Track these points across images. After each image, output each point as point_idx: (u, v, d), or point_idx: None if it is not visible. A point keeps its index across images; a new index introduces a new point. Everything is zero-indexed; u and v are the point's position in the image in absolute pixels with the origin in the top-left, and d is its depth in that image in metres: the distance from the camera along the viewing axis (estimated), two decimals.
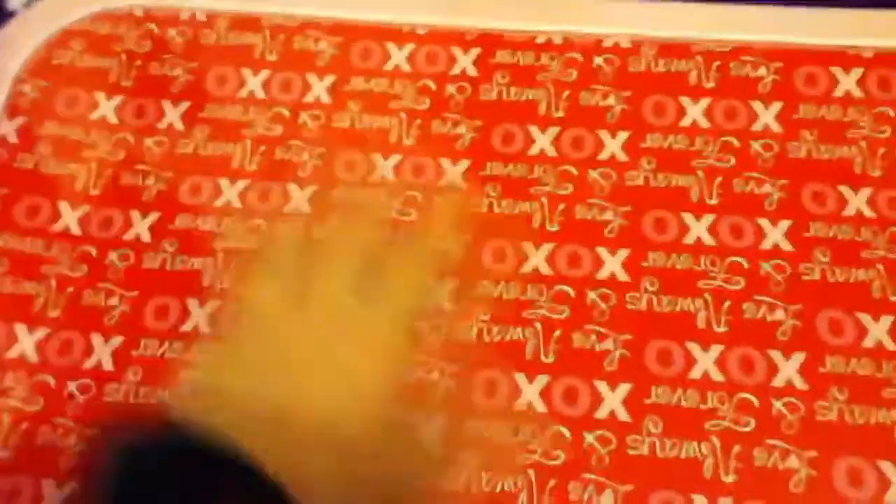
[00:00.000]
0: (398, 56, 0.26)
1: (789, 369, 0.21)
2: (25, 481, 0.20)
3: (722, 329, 0.22)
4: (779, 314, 0.22)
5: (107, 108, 0.25)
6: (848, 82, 0.25)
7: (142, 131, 0.25)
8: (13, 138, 0.25)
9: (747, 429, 0.20)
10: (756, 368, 0.21)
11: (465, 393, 0.21)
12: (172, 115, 0.25)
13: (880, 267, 0.22)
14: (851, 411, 0.21)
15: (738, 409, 0.21)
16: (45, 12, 0.26)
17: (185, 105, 0.25)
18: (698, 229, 0.23)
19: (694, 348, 0.21)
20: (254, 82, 0.26)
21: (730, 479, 0.20)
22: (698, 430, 0.21)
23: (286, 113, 0.25)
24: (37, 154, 0.24)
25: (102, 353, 0.22)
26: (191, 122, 0.25)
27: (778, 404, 0.21)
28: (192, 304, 0.23)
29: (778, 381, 0.21)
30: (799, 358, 0.21)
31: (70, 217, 0.24)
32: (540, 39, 0.26)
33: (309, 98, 0.25)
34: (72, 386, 0.21)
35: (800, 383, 0.21)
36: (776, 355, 0.21)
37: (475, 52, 0.26)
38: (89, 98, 0.25)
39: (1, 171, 0.24)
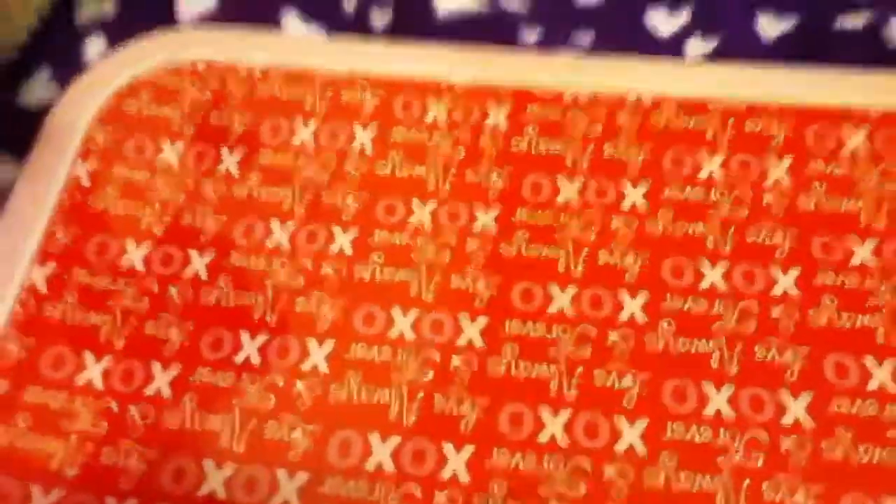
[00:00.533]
0: (435, 109, 0.28)
1: (797, 408, 0.23)
2: (90, 499, 0.22)
3: (734, 369, 0.23)
4: (787, 356, 0.23)
5: (170, 153, 0.28)
6: (856, 140, 0.27)
7: (201, 176, 0.27)
8: (86, 180, 0.27)
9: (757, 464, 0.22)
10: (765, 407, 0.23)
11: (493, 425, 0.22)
12: (229, 161, 0.28)
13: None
14: (857, 450, 0.22)
15: (747, 446, 0.22)
16: (116, 65, 0.29)
17: (241, 152, 0.28)
18: (713, 275, 0.25)
19: (708, 387, 0.23)
20: (304, 132, 0.28)
21: None
22: (712, 464, 0.22)
23: (333, 160, 0.27)
24: (106, 195, 0.27)
25: (161, 380, 0.24)
26: (245, 168, 0.28)
27: (787, 441, 0.22)
28: (244, 336, 0.25)
29: (787, 420, 0.23)
30: (806, 398, 0.23)
31: (135, 254, 0.26)
32: (567, 96, 0.28)
33: (354, 146, 0.28)
34: (133, 411, 0.23)
35: (807, 422, 0.22)
36: (784, 395, 0.23)
37: (507, 106, 0.28)
38: (155, 144, 0.28)
39: (74, 211, 0.26)
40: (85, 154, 0.27)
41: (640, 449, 0.22)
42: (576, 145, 0.27)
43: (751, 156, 0.27)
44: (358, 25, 0.31)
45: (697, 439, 0.22)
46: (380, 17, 0.31)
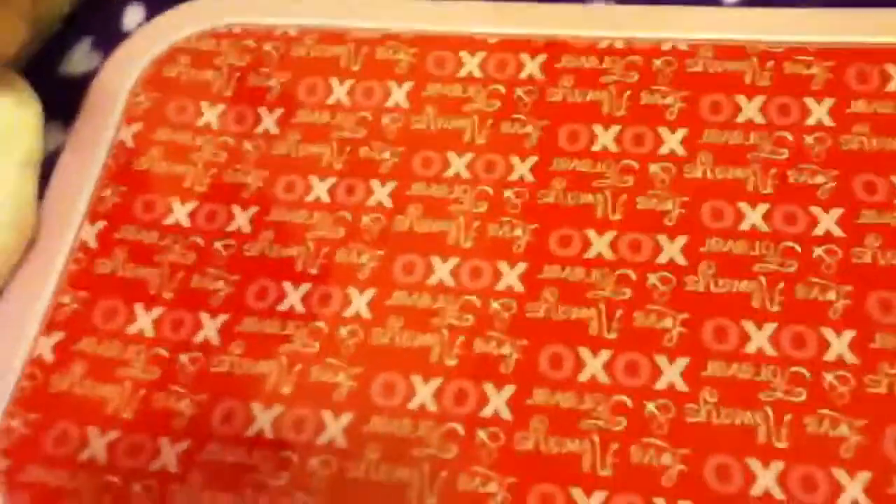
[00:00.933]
0: (471, 63, 0.28)
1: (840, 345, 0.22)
2: (145, 439, 0.23)
3: (776, 308, 0.23)
4: (830, 295, 0.23)
5: (210, 115, 0.28)
6: None
7: (241, 136, 0.28)
8: (130, 143, 0.28)
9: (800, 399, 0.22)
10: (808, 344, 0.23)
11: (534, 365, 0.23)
12: (268, 120, 0.28)
13: None
14: None
15: (790, 382, 0.22)
16: (155, 32, 0.30)
17: (279, 111, 0.28)
18: (754, 217, 0.25)
19: (749, 326, 0.23)
20: (340, 90, 0.29)
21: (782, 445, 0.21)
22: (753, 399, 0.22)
23: (369, 117, 0.28)
24: (150, 157, 0.28)
25: (209, 328, 0.25)
26: (284, 127, 0.28)
27: (829, 377, 0.22)
28: (288, 286, 0.25)
29: (829, 356, 0.22)
30: (850, 335, 0.23)
31: (180, 211, 0.27)
32: (602, 45, 0.28)
33: (390, 103, 0.28)
34: (183, 358, 0.24)
35: (851, 358, 0.22)
36: (828, 332, 0.23)
37: (541, 58, 0.28)
38: (195, 107, 0.29)
39: (120, 173, 0.27)
40: (129, 119, 0.28)
41: (681, 386, 0.22)
42: (611, 93, 0.27)
43: (790, 98, 0.26)
44: None
45: (739, 376, 0.22)
46: None
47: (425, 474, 0.22)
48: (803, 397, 0.22)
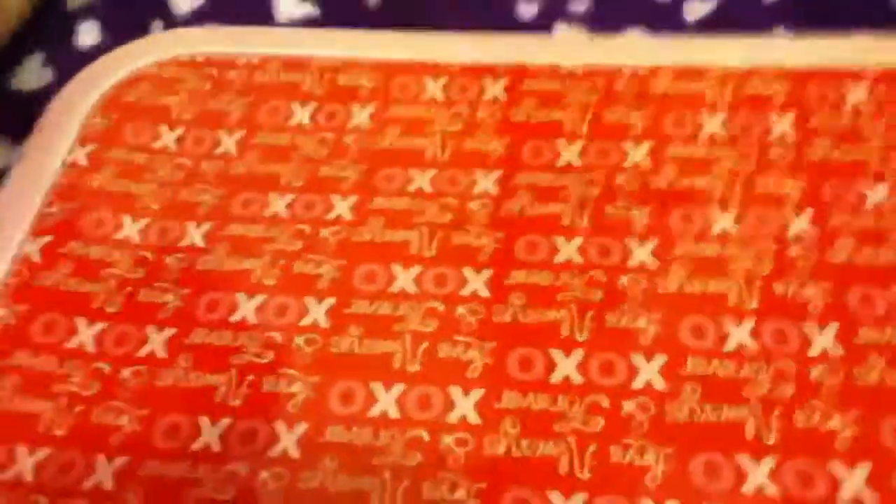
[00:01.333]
0: (433, 87, 0.28)
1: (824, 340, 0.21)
2: (77, 456, 0.21)
3: (753, 304, 0.22)
4: (809, 291, 0.22)
5: (168, 138, 0.28)
6: (857, 94, 0.27)
7: (199, 157, 0.27)
8: (84, 162, 0.27)
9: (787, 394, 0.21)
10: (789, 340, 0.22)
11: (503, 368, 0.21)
12: (228, 142, 0.28)
13: None
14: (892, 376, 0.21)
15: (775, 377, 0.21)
16: (119, 58, 0.29)
17: (239, 134, 0.28)
18: (722, 222, 0.24)
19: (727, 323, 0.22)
20: (302, 113, 0.28)
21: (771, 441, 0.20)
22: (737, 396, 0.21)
23: (331, 137, 0.27)
24: (103, 175, 0.27)
25: (156, 342, 0.23)
26: (243, 148, 0.27)
27: (815, 371, 0.21)
28: (241, 297, 0.24)
29: (814, 352, 0.21)
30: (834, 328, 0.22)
31: (131, 228, 0.25)
32: (563, 71, 0.28)
33: (351, 125, 0.28)
34: (126, 372, 0.22)
35: (836, 350, 0.21)
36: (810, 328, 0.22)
37: (504, 81, 0.28)
38: (153, 130, 0.28)
39: (71, 190, 0.26)
40: (84, 140, 0.27)
41: (660, 384, 0.21)
42: (574, 113, 0.27)
43: (753, 113, 0.27)
44: (352, 3, 0.31)
45: (721, 373, 0.21)
46: None
47: (387, 482, 0.20)
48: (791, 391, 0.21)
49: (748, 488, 0.19)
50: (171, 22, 0.31)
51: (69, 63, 0.29)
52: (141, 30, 0.31)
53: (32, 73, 0.30)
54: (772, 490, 0.19)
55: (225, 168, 0.27)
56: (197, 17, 0.31)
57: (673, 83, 0.28)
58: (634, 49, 0.29)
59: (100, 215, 0.26)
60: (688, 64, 0.28)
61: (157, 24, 0.31)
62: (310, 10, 0.32)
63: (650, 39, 0.29)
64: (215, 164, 0.27)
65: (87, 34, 0.31)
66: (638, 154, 0.26)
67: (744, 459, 0.20)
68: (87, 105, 0.28)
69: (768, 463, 0.19)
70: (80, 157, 0.27)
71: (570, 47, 0.29)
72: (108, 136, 0.28)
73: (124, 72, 0.29)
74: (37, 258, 0.24)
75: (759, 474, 0.19)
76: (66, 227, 0.25)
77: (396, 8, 0.31)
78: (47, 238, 0.25)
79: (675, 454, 0.20)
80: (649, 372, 0.21)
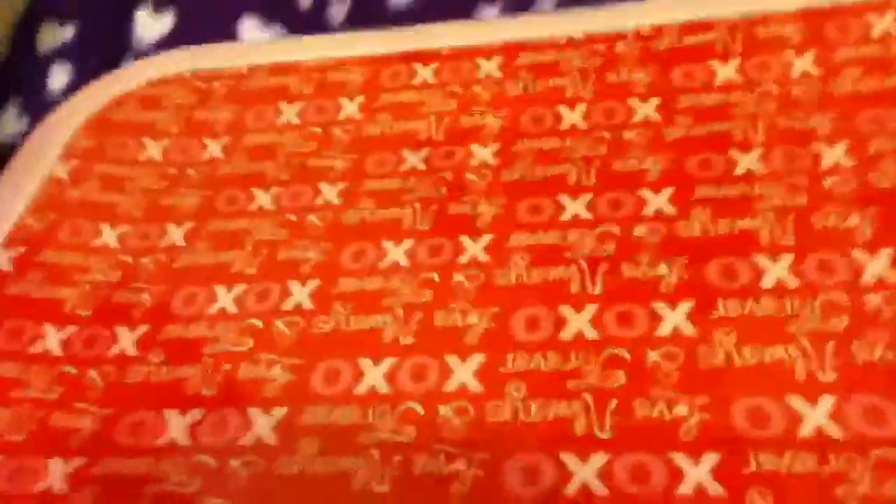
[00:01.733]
0: (424, 72, 0.27)
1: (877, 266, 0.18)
2: (32, 461, 0.19)
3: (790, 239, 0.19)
4: (853, 220, 0.19)
5: (154, 150, 0.27)
6: (884, 23, 0.24)
7: (185, 164, 0.26)
8: (65, 176, 0.26)
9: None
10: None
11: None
12: (214, 148, 0.26)
13: None
14: None
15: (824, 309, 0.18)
16: (110, 82, 0.29)
17: (225, 139, 0.26)
18: (747, 162, 0.21)
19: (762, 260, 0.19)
20: (289, 112, 0.27)
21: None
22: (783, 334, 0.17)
23: (319, 131, 0.26)
24: (85, 188, 0.25)
25: (126, 340, 0.21)
26: (230, 151, 0.26)
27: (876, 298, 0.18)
28: (221, 290, 0.22)
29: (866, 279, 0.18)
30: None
31: (110, 235, 0.24)
32: (560, 40, 0.27)
33: (341, 116, 0.26)
34: (93, 373, 0.20)
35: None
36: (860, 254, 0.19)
37: (498, 59, 0.27)
38: (137, 143, 0.27)
39: (49, 203, 0.25)
40: (67, 156, 0.26)
41: (689, 330, 0.18)
42: (575, 78, 0.25)
43: (769, 55, 0.24)
44: (315, 22, 0.30)
45: (758, 313, 0.18)
46: (337, 12, 0.30)
47: (375, 461, 0.17)
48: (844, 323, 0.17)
49: (806, 431, 0.16)
50: (141, 52, 0.31)
51: (45, 108, 0.28)
52: (111, 64, 0.30)
53: (9, 123, 0.29)
54: (834, 430, 0.16)
55: (210, 171, 0.26)
56: (165, 45, 0.30)
57: (679, 38, 0.26)
58: (634, 12, 0.27)
59: (78, 224, 0.24)
60: (692, 19, 0.26)
61: (127, 56, 0.30)
62: (276, 31, 0.31)
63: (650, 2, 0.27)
64: (200, 169, 0.26)
65: (60, 76, 0.30)
66: (647, 109, 0.24)
67: (796, 401, 0.16)
68: (73, 126, 0.27)
69: (826, 402, 0.16)
70: (62, 172, 0.26)
71: (564, 18, 0.27)
72: (91, 152, 0.27)
73: (110, 95, 0.28)
74: (7, 267, 0.23)
75: (817, 415, 0.16)
76: (42, 238, 0.24)
77: (360, 24, 0.30)
78: (20, 249, 0.23)
79: (711, 403, 0.17)
80: (675, 319, 0.18)
